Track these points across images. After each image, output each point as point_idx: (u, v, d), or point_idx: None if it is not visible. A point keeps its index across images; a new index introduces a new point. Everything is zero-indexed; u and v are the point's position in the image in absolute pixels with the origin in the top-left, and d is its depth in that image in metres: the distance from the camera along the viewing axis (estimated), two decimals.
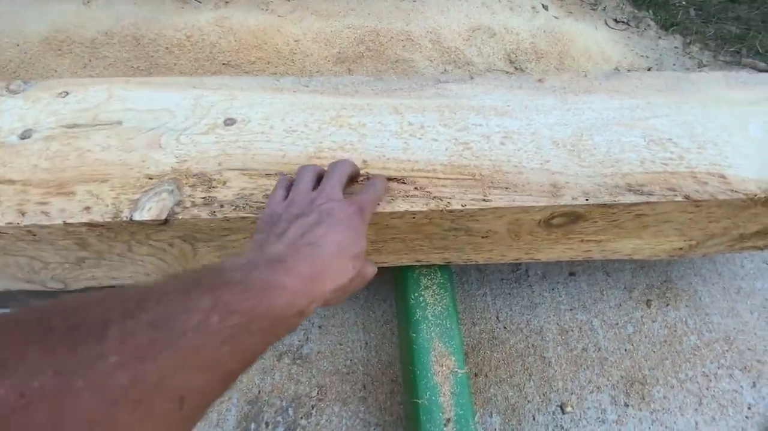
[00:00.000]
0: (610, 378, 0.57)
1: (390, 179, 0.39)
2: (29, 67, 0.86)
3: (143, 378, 0.16)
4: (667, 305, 0.64)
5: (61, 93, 0.43)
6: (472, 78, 0.48)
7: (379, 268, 0.45)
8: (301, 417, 0.53)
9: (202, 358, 0.18)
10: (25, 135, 0.40)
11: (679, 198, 0.39)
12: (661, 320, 0.62)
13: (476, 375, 0.57)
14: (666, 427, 0.54)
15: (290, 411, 0.54)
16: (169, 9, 0.99)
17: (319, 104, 0.43)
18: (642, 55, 1.05)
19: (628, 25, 1.14)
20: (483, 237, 0.43)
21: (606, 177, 0.40)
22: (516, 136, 0.42)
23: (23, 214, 0.35)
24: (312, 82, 0.45)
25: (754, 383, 0.58)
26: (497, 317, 0.62)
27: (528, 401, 0.55)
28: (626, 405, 0.55)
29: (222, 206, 0.36)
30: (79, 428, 0.14)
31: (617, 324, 0.62)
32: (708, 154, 0.42)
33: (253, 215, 0.36)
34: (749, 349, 0.60)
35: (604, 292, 0.65)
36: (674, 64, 1.04)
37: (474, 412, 0.44)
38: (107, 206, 0.35)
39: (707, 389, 0.57)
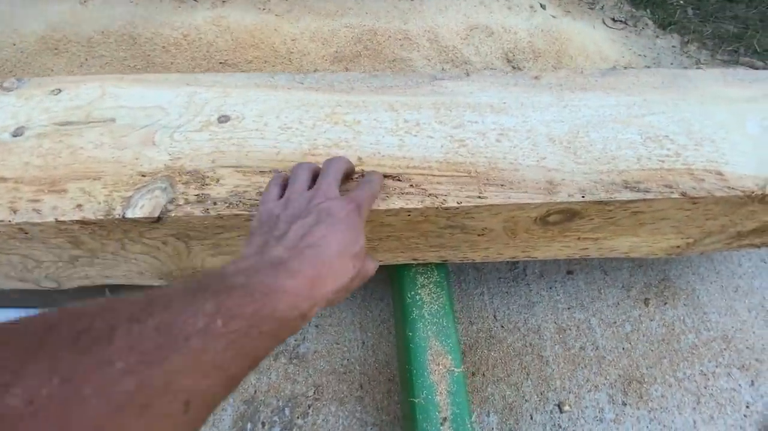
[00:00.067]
0: (607, 377, 0.57)
1: (385, 176, 0.38)
2: (25, 66, 0.85)
3: (150, 382, 0.16)
4: (665, 303, 0.64)
5: (53, 90, 0.42)
6: (468, 75, 0.47)
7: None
8: (298, 417, 0.53)
9: (206, 362, 0.19)
10: (17, 133, 0.40)
11: (675, 195, 0.38)
12: (659, 319, 0.62)
13: (473, 374, 0.57)
14: (664, 426, 0.54)
15: (287, 411, 0.53)
16: (165, 8, 0.99)
17: (313, 101, 0.43)
18: (640, 54, 1.05)
19: (626, 24, 1.14)
20: (479, 235, 0.43)
21: (602, 174, 0.39)
22: (512, 133, 0.42)
23: (15, 212, 0.35)
24: (307, 79, 0.45)
25: (752, 381, 0.58)
26: (494, 316, 0.62)
27: (525, 400, 0.55)
28: (624, 404, 0.55)
29: (215, 203, 0.35)
30: None
31: (615, 322, 0.62)
32: (705, 151, 0.42)
33: (247, 213, 0.35)
34: (747, 348, 0.60)
35: (602, 291, 0.65)
36: (672, 63, 1.04)
37: (470, 411, 0.44)
38: (99, 203, 0.35)
39: (705, 388, 0.57)
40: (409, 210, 0.37)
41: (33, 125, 0.40)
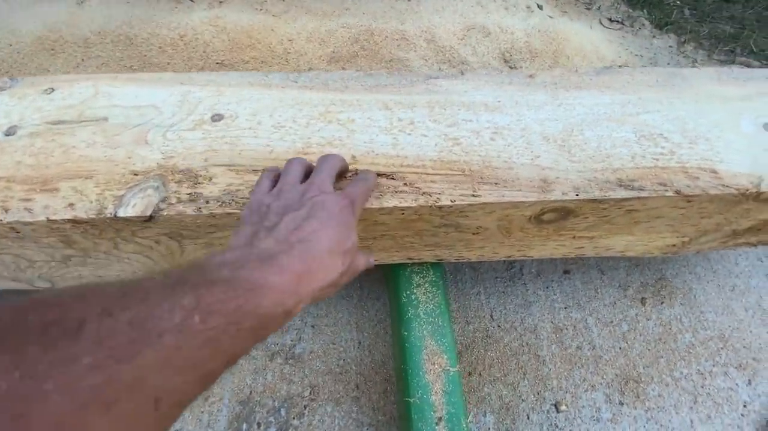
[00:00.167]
0: (604, 377, 0.57)
1: (379, 174, 0.38)
2: (22, 67, 0.85)
3: (118, 379, 0.16)
4: (662, 303, 0.64)
5: (46, 90, 0.42)
6: (462, 74, 0.47)
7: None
8: (294, 418, 0.53)
9: (181, 359, 0.18)
10: (9, 132, 0.39)
11: (670, 193, 0.38)
12: (656, 318, 0.62)
13: (470, 373, 0.57)
14: (661, 425, 0.54)
15: (282, 412, 0.53)
16: (162, 9, 0.99)
17: (307, 100, 0.43)
18: (637, 54, 1.05)
19: (623, 24, 1.14)
20: (474, 234, 0.42)
21: (596, 172, 0.39)
22: (506, 131, 0.42)
23: (6, 211, 0.35)
24: (301, 77, 0.45)
25: (749, 380, 0.57)
26: (491, 316, 0.62)
27: (522, 400, 0.55)
28: (621, 404, 0.55)
29: (208, 202, 0.35)
30: (47, 430, 0.14)
31: (612, 322, 0.62)
32: (699, 149, 0.42)
33: (240, 212, 0.35)
34: (744, 347, 0.60)
35: (599, 290, 0.65)
36: (669, 63, 1.04)
37: (466, 411, 0.44)
38: (91, 202, 0.35)
39: (702, 387, 0.57)
40: (402, 209, 0.37)
41: (25, 124, 0.40)
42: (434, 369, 0.44)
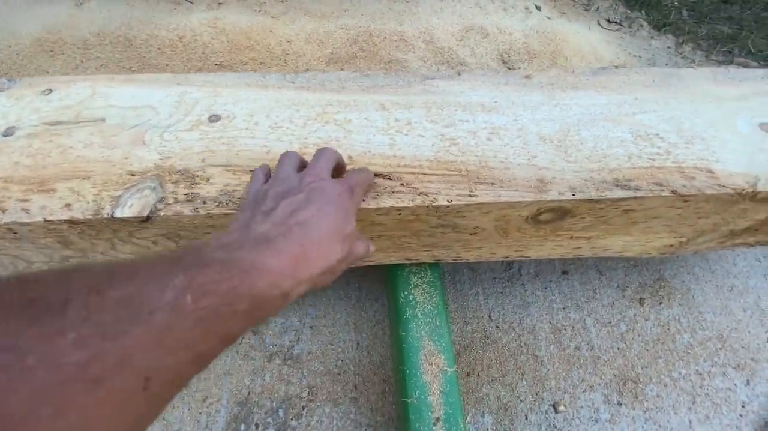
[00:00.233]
0: (603, 377, 0.57)
1: (376, 175, 0.38)
2: (21, 69, 0.85)
3: (104, 355, 0.15)
4: (660, 303, 0.64)
5: (44, 91, 0.42)
6: (459, 75, 0.47)
7: (369, 267, 0.44)
8: (292, 418, 0.53)
9: (172, 338, 0.18)
10: (7, 133, 0.40)
11: (666, 193, 0.38)
12: (654, 319, 0.62)
13: (468, 374, 0.57)
14: (659, 426, 0.53)
15: (280, 412, 0.53)
16: (161, 10, 0.99)
17: (304, 101, 0.43)
18: (635, 55, 1.06)
19: (621, 25, 1.14)
20: (471, 234, 0.43)
21: (593, 172, 0.39)
22: (503, 132, 0.42)
23: (3, 211, 0.35)
24: (298, 78, 0.45)
25: (747, 381, 0.57)
26: (489, 317, 0.62)
27: (520, 400, 0.55)
28: (619, 404, 0.55)
29: (205, 202, 0.35)
30: (28, 404, 0.14)
31: (610, 322, 0.62)
32: (695, 149, 0.42)
33: (236, 212, 0.35)
34: (743, 347, 0.60)
35: (597, 290, 0.65)
36: (667, 64, 1.05)
37: (464, 411, 0.44)
38: (88, 203, 0.35)
39: (701, 387, 0.57)
40: (399, 209, 0.37)
41: (23, 125, 0.40)
42: (432, 369, 0.44)
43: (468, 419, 0.53)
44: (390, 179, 0.38)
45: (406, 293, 0.49)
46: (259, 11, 1.02)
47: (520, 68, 0.98)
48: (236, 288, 0.21)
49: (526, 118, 0.43)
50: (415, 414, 0.42)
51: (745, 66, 1.03)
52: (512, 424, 0.53)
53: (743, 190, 0.39)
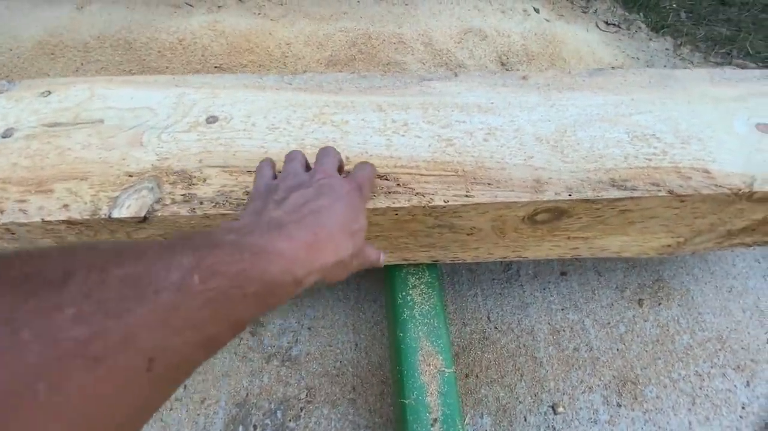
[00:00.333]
0: (602, 378, 0.57)
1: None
2: (22, 71, 0.86)
3: (105, 334, 0.15)
4: (659, 304, 0.63)
5: (43, 92, 0.43)
6: (456, 76, 0.48)
7: (366, 268, 0.44)
8: (290, 420, 0.53)
9: (179, 319, 0.17)
10: (6, 134, 0.40)
11: (662, 193, 0.38)
12: (653, 320, 0.62)
13: (467, 375, 0.57)
14: (659, 427, 0.53)
15: (278, 414, 0.53)
16: (162, 13, 0.99)
17: (302, 102, 0.43)
18: (633, 57, 1.06)
19: (619, 27, 1.15)
20: (468, 234, 0.43)
21: (589, 173, 0.39)
22: (499, 132, 0.42)
23: (1, 212, 0.35)
24: (295, 79, 0.45)
25: (747, 382, 0.57)
26: (488, 318, 0.62)
27: (519, 402, 0.55)
28: (618, 405, 0.55)
29: (201, 203, 0.35)
30: (23, 381, 0.13)
31: (609, 323, 0.62)
32: (692, 149, 0.42)
33: (233, 212, 0.35)
34: (742, 348, 0.60)
35: (596, 292, 0.65)
36: (665, 66, 1.05)
37: (461, 412, 0.43)
38: (86, 203, 0.35)
39: (700, 388, 0.56)
40: (396, 209, 0.37)
41: (22, 127, 0.40)
42: (429, 370, 0.44)
43: (467, 420, 0.53)
44: (387, 179, 0.38)
45: (404, 294, 0.49)
46: (259, 14, 1.03)
47: (518, 70, 0.98)
48: (246, 271, 0.20)
49: (522, 119, 0.43)
50: (413, 415, 0.42)
51: (743, 67, 1.03)
52: (511, 426, 0.53)
53: (740, 190, 0.39)
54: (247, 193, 0.36)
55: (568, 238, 0.45)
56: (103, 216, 0.34)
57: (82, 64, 0.88)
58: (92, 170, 0.37)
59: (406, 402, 0.42)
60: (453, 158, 0.40)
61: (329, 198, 0.28)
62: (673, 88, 0.48)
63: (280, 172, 0.33)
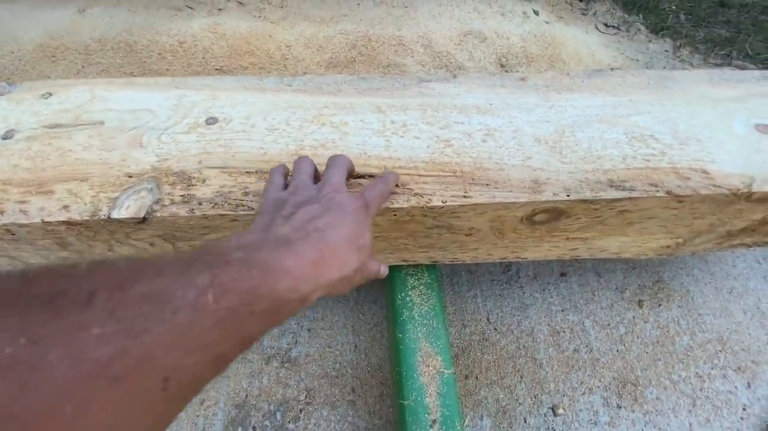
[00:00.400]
0: (602, 380, 0.57)
1: (371, 176, 0.39)
2: (23, 74, 0.86)
3: (127, 354, 0.15)
4: (659, 305, 0.63)
5: (44, 94, 0.43)
6: (455, 77, 0.48)
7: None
8: (289, 421, 0.52)
9: (192, 338, 0.18)
10: (7, 135, 0.40)
11: (661, 194, 0.38)
12: (654, 321, 0.62)
13: (466, 377, 0.56)
14: (659, 429, 0.53)
15: (278, 415, 0.53)
16: (162, 16, 1.00)
17: (301, 103, 0.43)
18: (632, 59, 1.06)
19: (619, 29, 1.15)
20: (467, 235, 0.43)
21: (587, 173, 0.40)
22: (497, 133, 0.42)
23: (2, 213, 0.35)
24: (295, 81, 0.46)
25: (748, 383, 0.57)
26: (488, 319, 0.62)
27: (519, 403, 0.55)
28: (619, 407, 0.55)
29: (200, 203, 0.36)
30: (50, 400, 0.14)
31: (609, 324, 0.61)
32: (691, 150, 0.42)
33: (232, 213, 0.36)
34: (743, 349, 0.60)
35: (596, 293, 0.65)
36: (664, 67, 1.05)
37: (461, 413, 0.43)
38: (86, 204, 0.35)
39: (701, 390, 0.56)
40: (394, 210, 0.38)
41: (23, 128, 0.41)
42: (429, 371, 0.44)
43: (466, 422, 0.53)
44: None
45: (403, 294, 0.49)
46: (259, 17, 1.03)
47: (517, 72, 0.98)
48: (256, 289, 0.21)
49: (521, 119, 0.44)
50: (412, 417, 0.42)
51: (743, 69, 1.03)
52: (511, 427, 0.53)
53: (738, 190, 0.39)
54: (246, 194, 0.37)
55: (567, 239, 0.45)
56: (102, 217, 0.35)
57: (83, 66, 0.89)
58: (92, 171, 0.37)
59: (405, 403, 0.42)
60: (451, 158, 0.40)
61: (335, 215, 0.28)
62: (672, 90, 0.48)
63: (290, 176, 0.34)
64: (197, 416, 0.52)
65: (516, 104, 0.45)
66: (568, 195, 0.38)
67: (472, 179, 0.39)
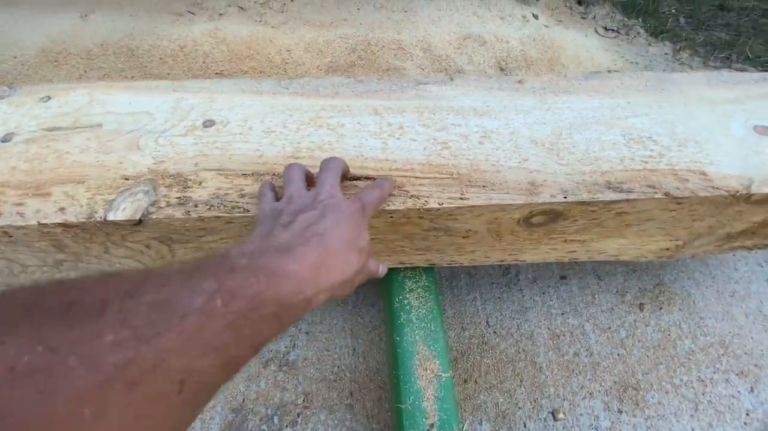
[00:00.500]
0: (602, 384, 0.56)
1: (367, 178, 0.39)
2: (26, 78, 0.87)
3: (141, 358, 0.16)
4: (661, 308, 0.63)
5: (43, 98, 0.43)
6: (452, 80, 0.48)
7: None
8: (287, 426, 0.52)
9: (204, 342, 0.18)
10: (6, 138, 0.40)
11: (659, 195, 0.38)
12: (655, 324, 0.61)
13: (465, 381, 0.56)
14: None
15: (275, 419, 0.52)
16: (164, 21, 1.01)
17: (298, 106, 0.44)
18: (632, 62, 1.06)
19: (618, 33, 1.15)
20: (464, 237, 0.42)
21: (585, 175, 0.39)
22: (494, 135, 0.42)
23: None
24: (292, 84, 0.46)
25: (751, 388, 0.56)
26: (487, 322, 0.61)
27: (519, 407, 0.54)
28: (620, 412, 0.54)
29: (196, 205, 0.36)
30: (69, 406, 0.14)
31: (610, 328, 0.61)
32: (689, 151, 0.42)
33: (228, 215, 0.36)
34: (746, 353, 0.59)
35: (596, 296, 0.64)
36: (664, 71, 1.05)
37: (458, 417, 0.43)
38: (82, 206, 0.35)
39: (703, 394, 0.55)
40: (391, 212, 0.37)
41: (22, 131, 0.41)
42: (426, 374, 0.44)
43: (465, 426, 0.52)
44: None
45: (400, 297, 0.49)
46: (260, 21, 1.04)
47: (516, 75, 0.98)
48: (262, 293, 0.21)
49: (518, 122, 0.43)
50: (409, 420, 0.41)
51: (743, 72, 1.03)
52: None
53: (737, 192, 0.39)
54: (242, 196, 0.37)
55: (565, 241, 0.44)
56: (98, 219, 0.35)
57: (85, 71, 0.89)
58: (89, 173, 0.37)
59: (403, 407, 0.42)
60: (448, 160, 0.40)
61: (333, 219, 0.29)
62: (670, 91, 0.48)
63: (280, 188, 0.34)
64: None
65: (513, 106, 0.45)
66: (565, 197, 0.38)
67: (469, 181, 0.38)
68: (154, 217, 0.35)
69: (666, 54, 1.09)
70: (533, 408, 0.54)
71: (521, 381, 0.56)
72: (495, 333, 0.60)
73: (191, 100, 0.44)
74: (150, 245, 0.38)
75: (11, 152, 0.39)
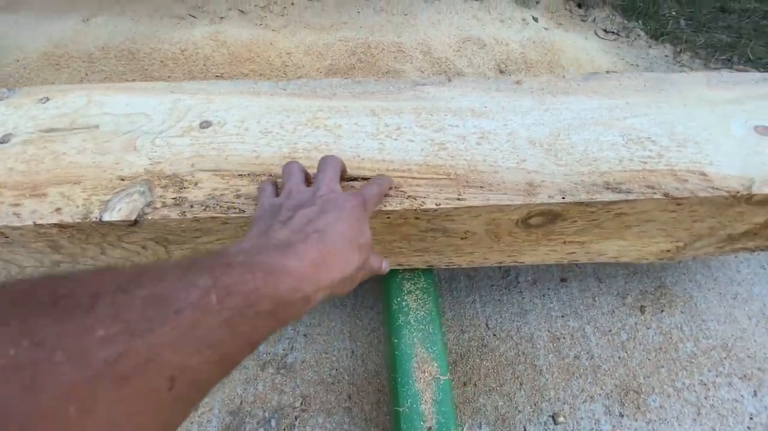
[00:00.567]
0: (603, 387, 0.55)
1: (364, 179, 0.38)
2: (27, 81, 0.88)
3: (132, 353, 0.15)
4: (662, 311, 0.62)
5: (41, 99, 0.43)
6: (449, 81, 0.48)
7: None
8: (284, 429, 0.52)
9: (197, 338, 0.18)
10: (3, 140, 0.40)
11: (658, 196, 0.38)
12: (656, 327, 0.61)
13: (465, 384, 0.56)
14: None
15: (273, 423, 0.52)
16: (165, 25, 1.02)
17: (295, 107, 0.44)
18: (632, 64, 1.06)
19: (618, 35, 1.15)
20: (462, 239, 0.42)
21: (583, 176, 0.39)
22: (492, 136, 0.42)
23: None
24: (289, 85, 0.46)
25: (755, 391, 0.55)
26: (487, 325, 0.61)
27: (519, 411, 0.53)
28: (621, 415, 0.53)
29: (192, 206, 0.36)
30: (55, 401, 0.14)
31: (610, 330, 0.60)
32: (688, 152, 0.41)
33: (223, 216, 0.35)
34: (749, 356, 0.58)
35: (597, 298, 0.64)
36: (665, 72, 1.05)
37: (457, 420, 0.43)
38: (78, 207, 0.35)
39: (706, 398, 0.55)
40: (388, 213, 0.37)
41: (19, 132, 0.41)
42: (424, 377, 0.43)
43: (464, 430, 0.52)
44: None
45: (399, 299, 0.49)
46: (260, 24, 1.05)
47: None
48: (259, 289, 0.21)
49: (516, 122, 0.43)
50: (407, 424, 0.41)
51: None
52: None
53: (738, 192, 0.39)
54: (238, 196, 0.36)
55: (564, 242, 0.44)
56: (94, 220, 0.35)
57: (86, 74, 0.90)
58: (86, 174, 0.37)
59: (400, 410, 0.41)
60: (445, 161, 0.40)
61: (333, 215, 0.28)
62: (669, 92, 0.47)
63: (280, 188, 0.34)
64: (191, 423, 0.52)
65: (511, 107, 0.45)
66: (563, 197, 0.37)
67: (466, 182, 0.38)
68: (150, 218, 0.35)
69: (666, 56, 1.09)
70: (533, 411, 0.53)
71: (521, 384, 0.55)
72: (495, 335, 0.60)
73: (188, 102, 0.44)
74: (146, 247, 0.38)
75: (9, 153, 0.39)
